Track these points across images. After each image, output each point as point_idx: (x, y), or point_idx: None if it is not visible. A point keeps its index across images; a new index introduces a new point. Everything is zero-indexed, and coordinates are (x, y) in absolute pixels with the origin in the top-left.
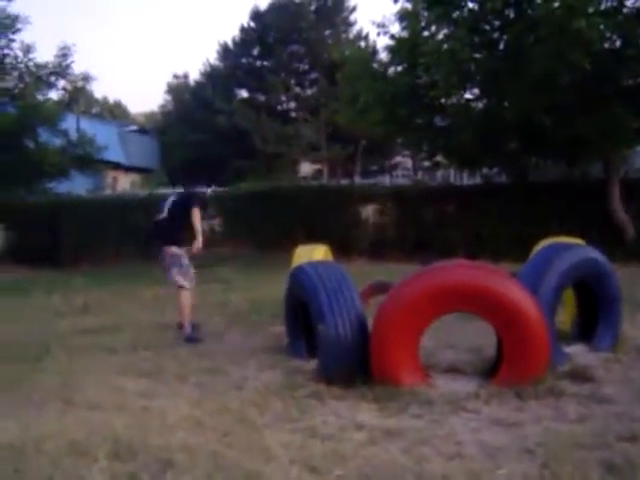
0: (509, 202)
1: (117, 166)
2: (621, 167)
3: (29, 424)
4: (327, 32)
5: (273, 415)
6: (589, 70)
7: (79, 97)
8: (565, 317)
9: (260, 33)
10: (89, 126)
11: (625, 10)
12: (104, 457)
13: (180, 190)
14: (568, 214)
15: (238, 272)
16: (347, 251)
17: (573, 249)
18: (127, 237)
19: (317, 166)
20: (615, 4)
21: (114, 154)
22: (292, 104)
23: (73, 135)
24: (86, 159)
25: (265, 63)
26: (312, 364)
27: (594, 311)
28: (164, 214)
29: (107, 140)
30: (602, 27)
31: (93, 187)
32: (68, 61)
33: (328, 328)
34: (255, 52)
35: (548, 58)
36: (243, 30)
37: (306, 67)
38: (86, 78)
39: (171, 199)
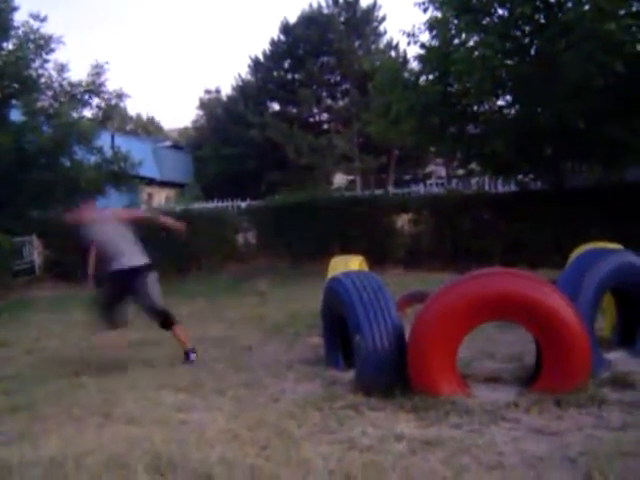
0: (545, 208)
1: (152, 182)
2: None
3: (69, 439)
4: (357, 43)
5: (311, 427)
6: (623, 72)
7: (113, 114)
8: (605, 323)
9: (290, 46)
10: (123, 143)
11: None
12: (144, 471)
13: None
14: (605, 219)
15: (274, 284)
16: (382, 261)
17: (611, 254)
18: (163, 252)
19: (350, 177)
20: None
21: (148, 170)
22: (324, 116)
23: (108, 152)
24: (121, 175)
25: (296, 76)
26: (350, 375)
27: (634, 317)
28: None
29: (141, 156)
30: (634, 29)
31: (128, 203)
32: (102, 79)
33: (365, 339)
34: (286, 65)
35: (580, 62)
36: (273, 43)
37: (337, 78)
38: (120, 95)
39: None
